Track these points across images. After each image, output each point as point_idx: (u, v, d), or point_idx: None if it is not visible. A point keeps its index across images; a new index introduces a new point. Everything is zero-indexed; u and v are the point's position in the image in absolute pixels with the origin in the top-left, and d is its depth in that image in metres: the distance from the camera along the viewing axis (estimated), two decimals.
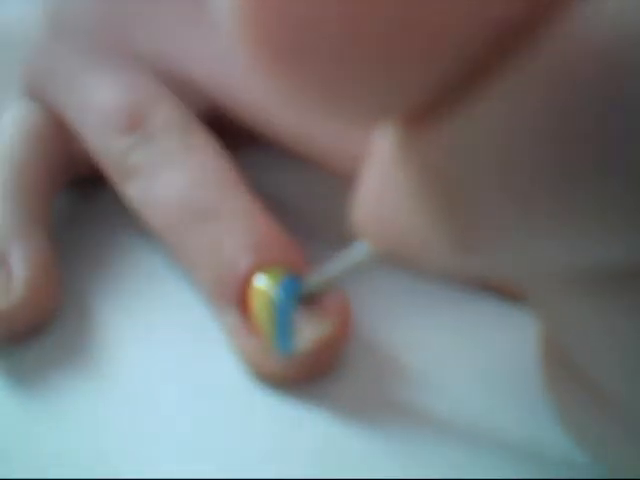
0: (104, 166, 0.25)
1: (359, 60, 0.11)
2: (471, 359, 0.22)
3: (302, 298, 0.20)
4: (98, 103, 0.25)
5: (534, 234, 0.11)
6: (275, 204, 0.25)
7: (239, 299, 0.22)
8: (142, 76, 0.26)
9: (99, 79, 0.26)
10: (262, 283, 0.21)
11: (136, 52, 0.26)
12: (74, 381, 0.21)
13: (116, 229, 0.27)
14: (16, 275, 0.23)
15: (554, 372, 0.16)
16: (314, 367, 0.21)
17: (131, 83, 0.25)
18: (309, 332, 0.21)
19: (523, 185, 0.11)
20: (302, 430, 0.20)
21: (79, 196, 0.28)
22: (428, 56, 0.11)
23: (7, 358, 0.22)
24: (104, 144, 0.25)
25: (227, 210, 0.23)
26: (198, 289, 0.24)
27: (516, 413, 0.20)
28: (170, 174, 0.24)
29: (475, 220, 0.12)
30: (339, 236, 0.21)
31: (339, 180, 0.26)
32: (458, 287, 0.24)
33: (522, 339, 0.22)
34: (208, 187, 0.23)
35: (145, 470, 0.19)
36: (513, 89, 0.11)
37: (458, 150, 0.11)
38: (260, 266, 0.21)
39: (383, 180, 0.14)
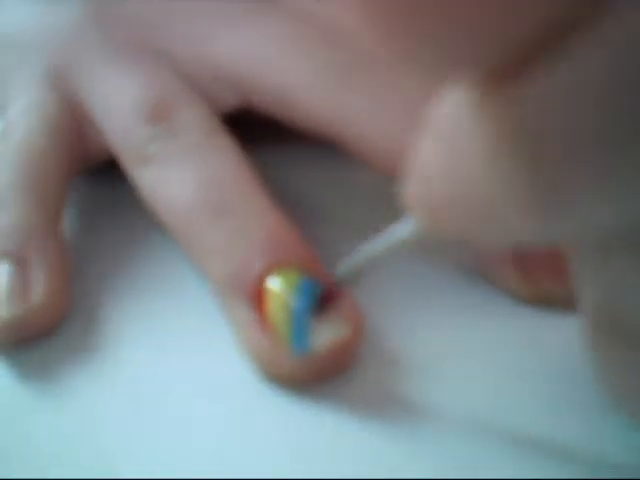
0: (119, 152, 0.25)
1: (465, 14, 0.11)
2: (482, 356, 0.22)
3: (337, 281, 0.20)
4: (126, 91, 0.26)
5: (625, 186, 0.11)
6: (292, 203, 0.25)
7: (253, 296, 0.21)
8: (168, 73, 0.26)
9: (128, 70, 0.26)
10: (277, 285, 0.21)
11: (162, 49, 0.27)
12: (82, 381, 0.22)
13: (125, 224, 0.27)
14: (35, 278, 0.23)
15: (602, 338, 0.16)
16: (327, 368, 0.21)
17: (159, 77, 0.26)
18: (325, 333, 0.21)
19: (621, 135, 0.11)
20: (312, 430, 0.20)
21: (87, 189, 0.29)
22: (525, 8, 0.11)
23: (14, 357, 0.22)
24: (125, 130, 0.25)
25: (243, 209, 0.23)
26: (208, 285, 0.24)
27: (530, 413, 0.20)
28: (188, 169, 0.24)
29: (562, 177, 0.12)
30: (355, 236, 0.21)
31: (358, 182, 0.27)
32: (467, 285, 0.24)
33: (533, 336, 0.22)
34: (225, 186, 0.24)
35: (152, 470, 0.19)
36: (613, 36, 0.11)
37: (554, 102, 0.11)
38: (275, 265, 0.21)
39: (450, 153, 0.14)
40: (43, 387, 0.21)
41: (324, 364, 0.21)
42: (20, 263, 0.23)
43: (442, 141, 0.14)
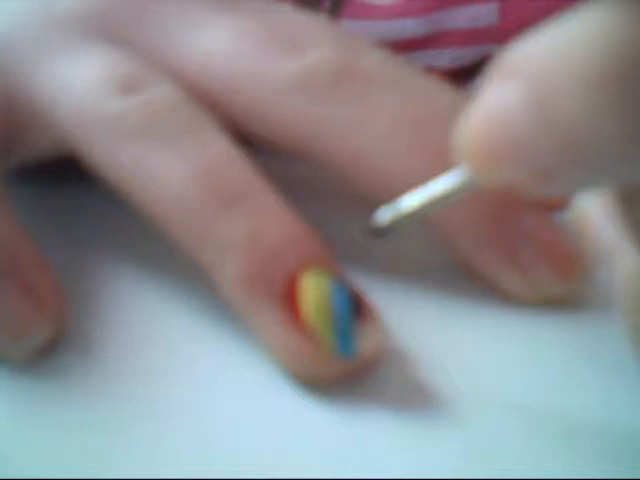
0: (83, 134, 0.22)
1: None
2: (488, 348, 0.22)
3: (362, 304, 0.20)
4: (89, 67, 0.23)
5: None
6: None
7: (284, 296, 0.20)
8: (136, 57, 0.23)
9: (90, 51, 0.23)
10: (314, 284, 0.20)
11: (131, 42, 0.24)
12: (94, 392, 0.21)
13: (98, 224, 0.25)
14: (41, 298, 0.21)
15: None
16: (363, 370, 0.21)
17: (126, 55, 0.23)
18: (367, 335, 0.20)
19: None
20: (346, 428, 0.20)
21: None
22: None
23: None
24: (92, 104, 0.22)
25: (255, 198, 0.21)
26: (215, 286, 0.21)
27: (546, 400, 0.20)
28: (185, 148, 0.21)
29: None
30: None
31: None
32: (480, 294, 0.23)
33: (550, 350, 0.22)
34: (232, 170, 0.21)
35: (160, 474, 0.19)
36: None
37: None
38: (308, 262, 0.20)
39: (539, 93, 0.14)
40: (47, 395, 0.21)
41: (362, 366, 0.20)
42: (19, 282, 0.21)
43: (527, 81, 0.14)
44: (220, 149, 0.21)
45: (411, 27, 0.37)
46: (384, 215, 0.19)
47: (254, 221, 0.20)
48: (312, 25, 0.25)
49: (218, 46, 0.23)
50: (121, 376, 0.21)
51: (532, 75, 0.15)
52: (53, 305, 0.21)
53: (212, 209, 0.20)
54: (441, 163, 0.21)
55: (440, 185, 0.18)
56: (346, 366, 0.20)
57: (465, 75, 0.38)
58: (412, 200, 0.18)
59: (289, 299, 0.20)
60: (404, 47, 0.37)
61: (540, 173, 0.15)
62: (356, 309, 0.20)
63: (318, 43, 0.23)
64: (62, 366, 0.21)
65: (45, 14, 0.24)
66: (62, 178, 0.26)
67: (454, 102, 0.23)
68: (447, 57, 0.38)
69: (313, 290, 0.20)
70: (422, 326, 0.22)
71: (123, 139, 0.21)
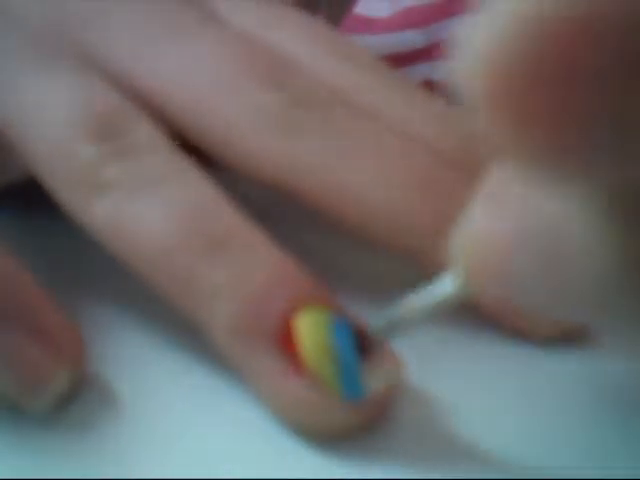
0: (52, 179, 0.21)
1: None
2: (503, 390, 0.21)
3: (367, 340, 0.18)
4: (58, 100, 0.21)
5: None
6: None
7: (278, 340, 0.19)
8: (105, 81, 0.22)
9: (56, 75, 0.22)
10: (310, 323, 0.18)
11: (90, 56, 0.22)
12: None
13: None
14: (56, 342, 0.19)
15: None
16: (376, 415, 0.19)
17: (97, 84, 0.22)
18: (375, 375, 0.18)
19: None
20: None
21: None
22: None
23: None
24: (62, 149, 0.21)
25: (238, 240, 0.20)
26: (205, 336, 0.20)
27: (563, 444, 0.20)
28: (163, 197, 0.20)
29: None
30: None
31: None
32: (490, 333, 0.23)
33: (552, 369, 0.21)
34: (212, 215, 0.20)
35: None
36: None
37: None
38: (299, 301, 0.19)
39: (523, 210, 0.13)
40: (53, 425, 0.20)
41: (375, 410, 0.19)
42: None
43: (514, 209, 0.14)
44: (200, 192, 0.20)
45: (410, 39, 0.37)
46: (377, 321, 0.18)
47: (240, 265, 0.19)
48: (302, 47, 0.23)
49: (195, 66, 0.22)
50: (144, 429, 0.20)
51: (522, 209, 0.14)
52: (71, 349, 0.20)
53: (196, 256, 0.19)
54: (426, 192, 0.21)
55: (433, 292, 0.17)
56: (357, 412, 0.19)
57: None
58: (404, 309, 0.18)
59: (285, 344, 0.18)
60: (403, 60, 0.37)
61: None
62: (360, 346, 0.18)
63: (299, 73, 0.22)
64: (80, 415, 0.20)
65: (7, 24, 0.23)
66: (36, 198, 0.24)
67: (442, 128, 0.23)
68: (446, 69, 0.38)
69: (310, 329, 0.18)
70: (430, 362, 0.22)
71: (97, 189, 0.20)
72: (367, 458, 0.19)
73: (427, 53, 0.38)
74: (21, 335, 0.19)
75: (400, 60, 0.36)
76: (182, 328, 0.21)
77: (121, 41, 0.22)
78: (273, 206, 0.23)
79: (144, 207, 0.20)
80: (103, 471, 0.19)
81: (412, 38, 0.37)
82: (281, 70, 0.22)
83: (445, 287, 0.17)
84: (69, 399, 0.20)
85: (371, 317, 0.18)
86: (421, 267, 0.21)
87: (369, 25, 0.37)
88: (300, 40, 0.24)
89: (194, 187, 0.20)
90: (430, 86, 0.35)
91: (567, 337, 0.22)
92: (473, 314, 0.22)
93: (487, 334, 0.22)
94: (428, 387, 0.21)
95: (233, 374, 0.20)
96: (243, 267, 0.19)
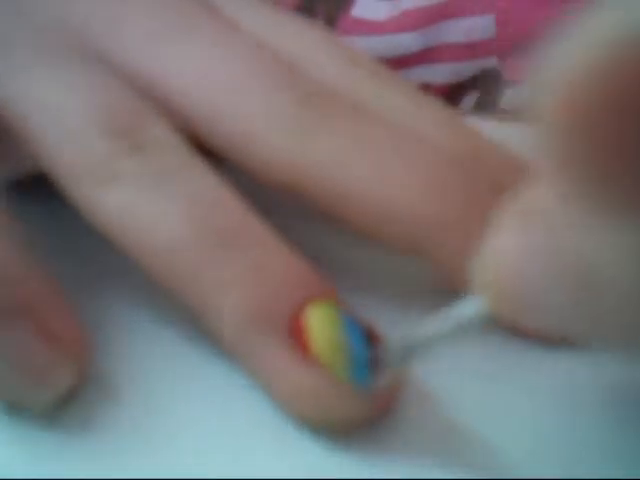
0: (66, 172, 0.21)
1: None
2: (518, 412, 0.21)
3: (374, 334, 0.19)
4: (73, 98, 0.21)
5: None
6: None
7: (292, 332, 0.19)
8: (119, 80, 0.22)
9: (70, 73, 0.22)
10: (322, 317, 0.19)
11: (105, 55, 0.22)
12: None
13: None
14: (62, 340, 0.19)
15: None
16: (383, 407, 0.19)
17: (111, 83, 0.22)
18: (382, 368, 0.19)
19: None
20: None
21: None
22: None
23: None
24: (77, 144, 0.21)
25: (251, 237, 0.20)
26: (210, 331, 0.20)
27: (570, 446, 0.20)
28: (177, 194, 0.20)
29: None
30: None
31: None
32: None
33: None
34: (225, 213, 0.20)
35: None
36: None
37: None
38: (312, 297, 0.19)
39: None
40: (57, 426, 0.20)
41: (383, 402, 0.19)
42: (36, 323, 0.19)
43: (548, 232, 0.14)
44: (211, 189, 0.20)
45: (406, 42, 0.37)
46: (393, 345, 0.18)
47: (252, 260, 0.20)
48: (310, 50, 0.23)
49: (208, 66, 0.22)
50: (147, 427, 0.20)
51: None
52: (75, 347, 0.20)
53: (207, 251, 0.20)
54: (443, 195, 0.21)
55: (454, 316, 0.17)
56: (366, 403, 0.19)
57: (461, 90, 0.38)
58: (421, 334, 0.18)
59: (296, 336, 0.19)
60: (400, 63, 0.36)
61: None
62: (369, 339, 0.19)
63: (309, 75, 0.22)
64: (83, 413, 0.20)
65: (17, 18, 0.23)
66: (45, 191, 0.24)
67: (450, 131, 0.23)
68: (443, 72, 0.38)
69: (320, 322, 0.19)
70: (434, 358, 0.21)
71: (109, 181, 0.20)
72: (370, 454, 0.19)
73: (424, 56, 0.37)
74: (26, 332, 0.19)
75: (397, 63, 0.36)
76: (187, 326, 0.21)
77: (136, 40, 0.22)
78: (276, 203, 0.23)
79: (155, 201, 0.20)
80: (106, 469, 0.19)
81: (409, 41, 0.37)
82: (293, 72, 0.22)
83: (468, 310, 0.16)
84: (72, 396, 0.20)
85: (388, 342, 0.18)
86: (433, 268, 0.21)
87: (366, 27, 0.37)
88: (302, 44, 0.24)
89: (205, 184, 0.20)
90: (427, 89, 0.35)
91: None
92: None
93: (492, 331, 0.22)
94: (430, 383, 0.21)
95: (238, 371, 0.20)
96: (254, 262, 0.20)
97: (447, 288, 0.21)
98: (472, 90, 0.39)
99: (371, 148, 0.21)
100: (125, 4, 0.23)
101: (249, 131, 0.21)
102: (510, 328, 0.21)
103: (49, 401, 0.19)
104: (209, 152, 0.22)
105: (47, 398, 0.19)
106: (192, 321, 0.21)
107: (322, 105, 0.22)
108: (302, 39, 0.24)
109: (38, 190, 0.24)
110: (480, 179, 0.22)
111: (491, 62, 0.38)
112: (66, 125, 0.21)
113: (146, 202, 0.20)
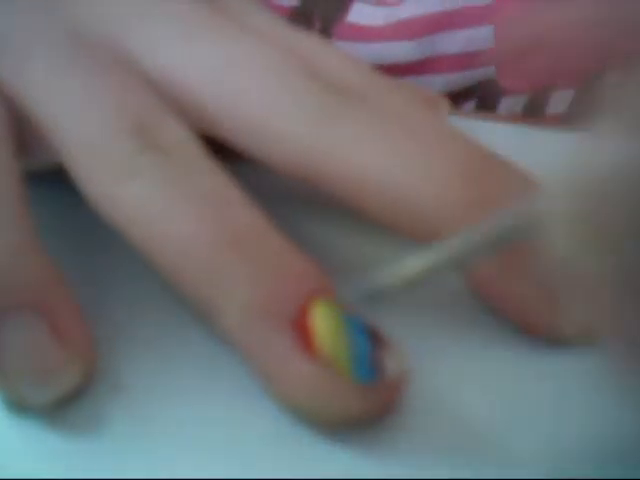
0: (83, 166, 0.21)
1: None
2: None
3: (377, 330, 0.19)
4: (90, 100, 0.22)
5: None
6: None
7: (298, 326, 0.19)
8: (138, 81, 0.22)
9: (91, 73, 0.22)
10: (327, 312, 0.19)
11: (122, 57, 0.23)
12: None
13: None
14: (71, 340, 0.20)
15: None
16: (386, 402, 0.19)
17: (130, 85, 0.22)
18: (384, 359, 0.19)
19: None
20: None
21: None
22: None
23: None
24: (93, 143, 0.21)
25: (260, 233, 0.20)
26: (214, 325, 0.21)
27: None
28: (190, 189, 0.21)
29: None
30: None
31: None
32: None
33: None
34: (235, 207, 0.21)
35: None
36: None
37: None
38: (318, 293, 0.19)
39: None
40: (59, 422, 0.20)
41: (385, 397, 0.19)
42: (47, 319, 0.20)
43: None
44: (222, 188, 0.21)
45: (403, 51, 0.37)
46: (381, 279, 0.18)
47: (259, 257, 0.20)
48: (324, 50, 0.24)
49: (228, 62, 0.23)
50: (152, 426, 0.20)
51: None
52: (84, 347, 0.20)
53: (218, 249, 0.20)
54: (457, 183, 0.21)
55: (447, 249, 0.17)
56: (368, 397, 0.19)
57: (458, 98, 0.38)
58: (413, 265, 0.18)
59: (300, 332, 0.19)
60: (396, 72, 0.36)
61: None
62: (372, 335, 0.19)
63: (329, 68, 0.23)
64: (89, 410, 0.20)
65: (40, 18, 0.23)
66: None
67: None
68: (439, 83, 0.37)
69: (324, 317, 0.19)
70: (434, 355, 0.21)
71: (125, 177, 0.21)
72: (371, 453, 0.19)
73: (420, 67, 0.37)
74: (39, 330, 0.19)
75: (391, 71, 0.36)
76: (194, 323, 0.21)
77: (154, 40, 0.23)
78: (281, 200, 0.24)
79: (170, 198, 0.20)
80: (112, 467, 0.19)
81: (405, 50, 0.37)
82: (312, 66, 0.22)
83: (462, 241, 0.17)
84: (79, 393, 0.20)
85: (373, 275, 0.19)
86: None
87: (362, 33, 0.37)
88: (312, 48, 0.24)
89: (218, 183, 0.21)
90: None
91: (589, 338, 0.21)
92: (484, 310, 0.22)
93: (495, 329, 0.22)
94: (432, 382, 0.21)
95: (243, 369, 0.20)
96: (262, 259, 0.20)
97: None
98: (469, 99, 0.39)
99: (390, 136, 0.21)
100: (143, 5, 0.24)
101: (270, 121, 0.22)
102: (515, 323, 0.22)
103: (53, 400, 0.19)
104: (216, 150, 0.22)
105: (52, 397, 0.19)
106: (197, 319, 0.21)
107: (345, 95, 0.22)
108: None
109: (40, 189, 0.24)
110: (503, 170, 0.22)
111: (489, 72, 0.38)
112: (86, 123, 0.21)
113: (161, 199, 0.20)
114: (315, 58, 0.23)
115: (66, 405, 0.20)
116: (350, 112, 0.22)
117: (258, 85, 0.22)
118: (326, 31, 0.37)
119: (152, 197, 0.21)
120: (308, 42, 0.24)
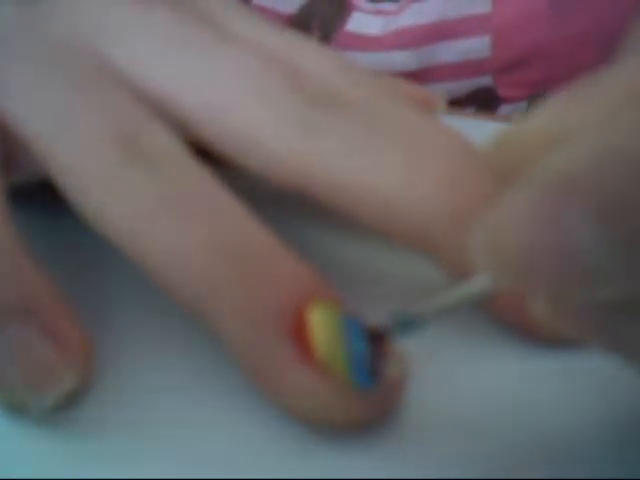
0: (73, 179, 0.21)
1: None
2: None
3: (375, 334, 0.19)
4: (77, 111, 0.22)
5: None
6: None
7: (294, 331, 0.19)
8: (122, 90, 0.22)
9: (76, 87, 0.22)
10: (323, 316, 0.19)
11: (109, 68, 0.23)
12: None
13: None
14: (66, 344, 0.20)
15: None
16: (385, 407, 0.19)
17: (118, 96, 0.22)
18: (383, 363, 0.19)
19: None
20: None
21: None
22: None
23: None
24: (82, 154, 0.21)
25: (256, 241, 0.20)
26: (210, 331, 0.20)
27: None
28: (182, 200, 0.20)
29: None
30: None
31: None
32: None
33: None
34: (230, 217, 0.20)
35: None
36: None
37: None
38: (314, 297, 0.19)
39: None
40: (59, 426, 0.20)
41: (384, 401, 0.19)
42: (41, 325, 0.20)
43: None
44: (215, 199, 0.21)
45: (402, 60, 0.37)
46: (400, 317, 0.18)
47: (256, 263, 0.20)
48: (313, 55, 0.23)
49: (214, 75, 0.22)
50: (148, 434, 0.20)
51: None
52: (81, 351, 0.20)
53: (214, 258, 0.20)
54: (447, 189, 0.21)
55: (460, 290, 0.17)
56: (366, 402, 0.19)
57: (456, 105, 0.38)
58: (429, 304, 0.18)
59: (298, 336, 0.19)
60: None
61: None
62: (370, 339, 0.19)
63: (312, 77, 0.22)
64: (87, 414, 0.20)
65: (28, 31, 0.23)
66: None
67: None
68: (438, 91, 0.37)
69: (321, 321, 0.19)
70: (436, 359, 0.21)
71: (118, 192, 0.21)
72: (371, 454, 0.19)
73: (419, 76, 0.37)
74: (31, 332, 0.19)
75: None
76: (192, 327, 0.21)
77: (142, 52, 0.23)
78: (274, 206, 0.23)
79: (162, 210, 0.20)
80: (112, 467, 0.19)
81: (404, 59, 0.37)
82: (296, 75, 0.22)
83: (473, 286, 0.17)
84: (77, 398, 0.20)
85: (394, 313, 0.18)
86: (441, 266, 0.21)
87: (361, 42, 0.37)
88: (297, 54, 0.24)
89: (208, 195, 0.21)
90: None
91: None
92: (483, 312, 0.22)
93: (495, 329, 0.22)
94: (432, 385, 0.21)
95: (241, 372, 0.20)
96: (258, 265, 0.20)
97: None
98: (468, 106, 0.39)
99: (374, 145, 0.21)
100: (126, 17, 0.23)
101: (259, 134, 0.22)
102: (513, 325, 0.22)
103: (52, 401, 0.19)
104: (205, 157, 0.22)
105: (49, 402, 0.19)
106: (194, 323, 0.21)
107: (329, 105, 0.22)
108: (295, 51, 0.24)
109: (35, 196, 0.24)
110: (489, 174, 0.22)
111: (486, 80, 0.38)
112: (74, 135, 0.21)
113: (153, 211, 0.20)
114: (298, 61, 0.23)
115: (66, 406, 0.20)
116: (334, 123, 0.21)
117: (240, 101, 0.22)
118: (325, 40, 0.37)
119: (142, 211, 0.20)
120: (293, 45, 0.24)
